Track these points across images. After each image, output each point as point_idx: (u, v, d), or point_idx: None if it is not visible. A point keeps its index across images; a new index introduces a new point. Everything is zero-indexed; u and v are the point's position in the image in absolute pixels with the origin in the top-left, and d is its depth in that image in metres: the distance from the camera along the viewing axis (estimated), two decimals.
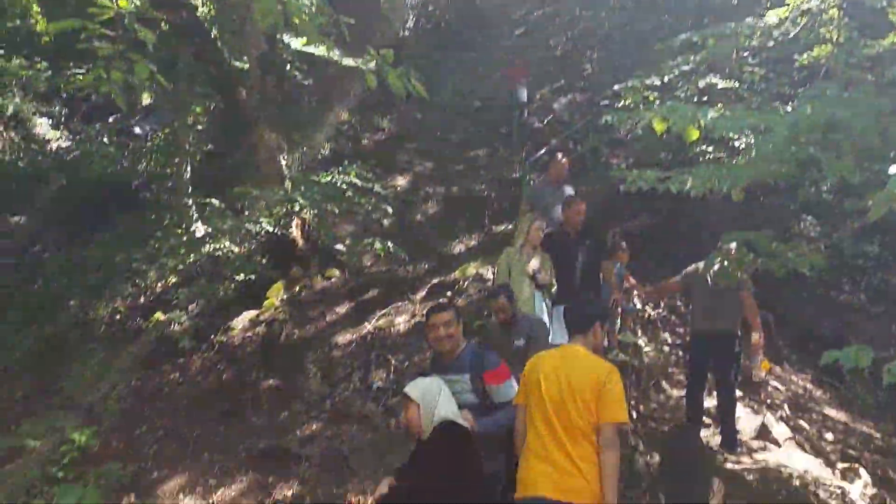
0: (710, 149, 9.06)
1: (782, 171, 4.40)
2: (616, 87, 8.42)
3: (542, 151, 11.65)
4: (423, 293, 9.13)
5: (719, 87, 8.07)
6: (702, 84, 8.06)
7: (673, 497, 3.88)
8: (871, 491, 5.98)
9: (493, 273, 8.23)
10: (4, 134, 13.63)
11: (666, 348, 8.05)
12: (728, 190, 4.69)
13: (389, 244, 9.15)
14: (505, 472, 4.44)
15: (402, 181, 12.17)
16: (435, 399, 3.81)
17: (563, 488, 3.61)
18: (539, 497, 3.65)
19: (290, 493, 6.63)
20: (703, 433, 6.34)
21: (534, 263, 6.39)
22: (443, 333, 4.22)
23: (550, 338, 5.87)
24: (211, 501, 6.75)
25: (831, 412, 7.55)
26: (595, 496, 3.56)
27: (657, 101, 7.30)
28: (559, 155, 7.95)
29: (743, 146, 7.15)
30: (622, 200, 10.11)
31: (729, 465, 5.85)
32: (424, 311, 5.73)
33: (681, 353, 7.92)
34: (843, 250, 9.52)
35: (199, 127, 12.31)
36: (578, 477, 3.60)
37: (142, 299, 9.69)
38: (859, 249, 9.63)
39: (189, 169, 9.66)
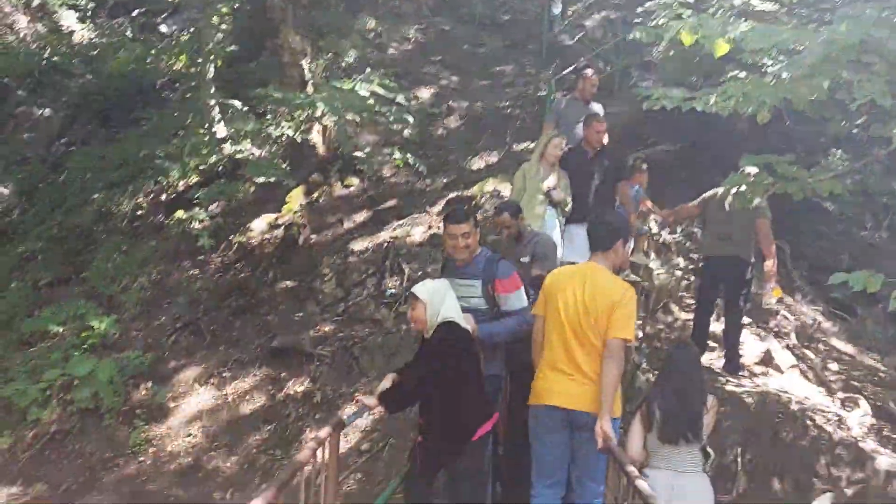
0: (743, 74, 8.77)
1: (812, 96, 4.27)
2: (648, 3, 8.13)
3: (570, 69, 11.39)
4: (440, 206, 9.16)
5: (757, 7, 7.71)
6: (738, 2, 7.73)
7: (667, 409, 3.97)
8: (869, 421, 6.06)
9: (511, 190, 8.17)
10: (30, 24, 13.54)
11: (678, 272, 8.05)
12: (754, 111, 4.58)
13: (409, 155, 9.09)
14: (507, 376, 4.58)
15: (425, 93, 11.99)
16: (441, 300, 3.88)
17: (572, 397, 3.75)
18: (551, 406, 3.81)
19: (300, 389, 6.89)
20: (707, 356, 6.42)
21: (550, 180, 6.26)
22: (461, 244, 4.24)
23: (561, 255, 5.88)
24: (225, 392, 7.03)
25: (838, 344, 7.58)
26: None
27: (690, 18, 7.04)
28: (589, 71, 7.68)
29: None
30: (648, 124, 9.98)
31: (729, 387, 5.95)
32: (442, 220, 5.75)
33: (693, 278, 7.94)
34: (868, 186, 9.34)
35: (224, 27, 12.14)
36: (589, 386, 3.72)
37: (164, 196, 9.81)
38: (886, 186, 9.44)
39: (213, 69, 9.57)
